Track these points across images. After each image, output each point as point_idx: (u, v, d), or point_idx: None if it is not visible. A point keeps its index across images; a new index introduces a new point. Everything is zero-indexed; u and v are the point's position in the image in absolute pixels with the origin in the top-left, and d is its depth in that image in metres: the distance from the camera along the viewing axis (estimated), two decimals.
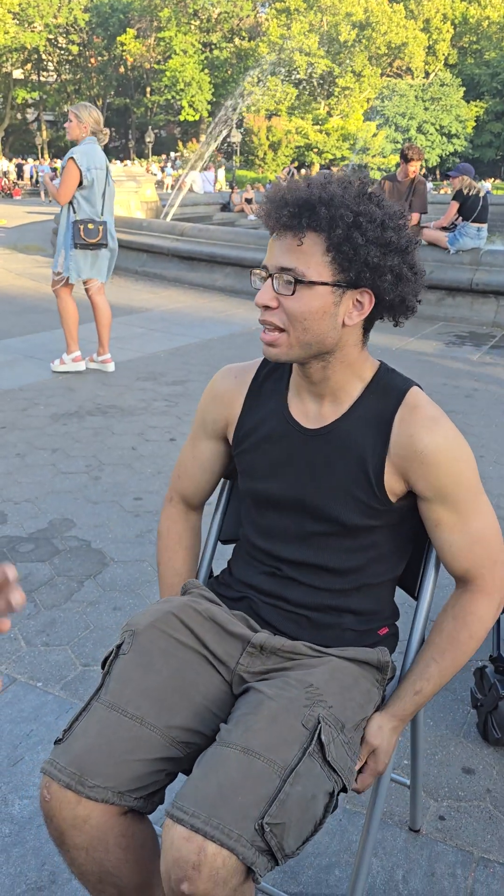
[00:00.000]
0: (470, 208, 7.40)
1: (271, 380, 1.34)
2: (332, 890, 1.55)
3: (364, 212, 1.14)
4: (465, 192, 7.40)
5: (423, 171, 41.54)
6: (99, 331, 5.35)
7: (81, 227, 4.91)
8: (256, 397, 1.34)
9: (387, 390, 1.25)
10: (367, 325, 1.23)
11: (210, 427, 1.40)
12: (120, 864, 1.11)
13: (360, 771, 1.23)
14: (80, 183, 4.86)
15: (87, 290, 5.27)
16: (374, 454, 1.22)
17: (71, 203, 4.93)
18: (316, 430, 1.26)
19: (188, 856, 0.96)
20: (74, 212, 4.94)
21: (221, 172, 20.11)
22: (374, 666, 1.28)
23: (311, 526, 1.27)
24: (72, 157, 4.82)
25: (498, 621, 2.07)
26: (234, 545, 1.48)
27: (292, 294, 1.15)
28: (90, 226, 4.92)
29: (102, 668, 1.23)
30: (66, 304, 5.20)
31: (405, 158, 7.36)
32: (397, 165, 7.76)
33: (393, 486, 1.22)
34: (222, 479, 1.52)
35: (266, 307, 1.17)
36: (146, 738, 1.13)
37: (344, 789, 1.14)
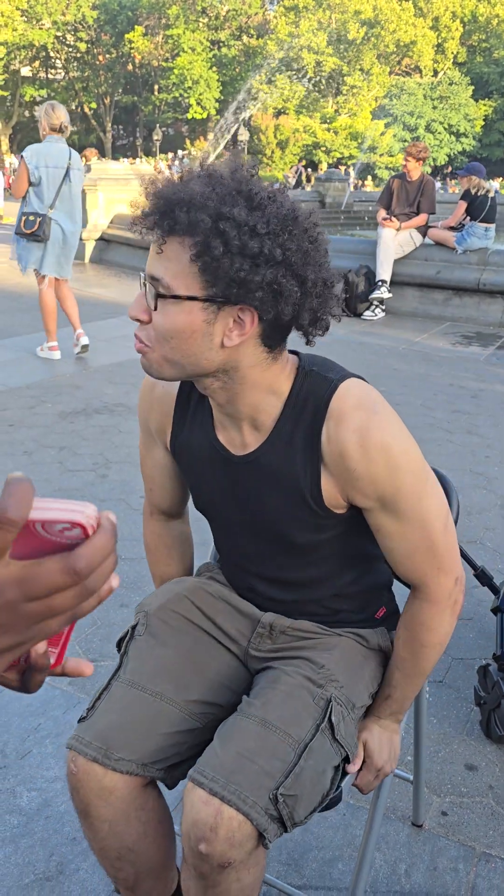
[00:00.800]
0: (478, 208, 7.39)
1: (196, 393, 1.23)
2: (335, 883, 1.57)
3: (227, 215, 0.96)
4: (474, 191, 7.39)
5: (449, 169, 41.57)
6: (67, 316, 5.66)
7: (24, 218, 5.23)
8: (185, 405, 1.24)
9: (307, 402, 1.11)
10: (270, 343, 1.06)
11: (155, 435, 1.31)
12: (139, 839, 1.15)
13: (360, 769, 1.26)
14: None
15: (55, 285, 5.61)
16: (307, 478, 1.12)
17: (25, 196, 5.28)
18: (243, 456, 1.17)
19: (206, 818, 1.01)
20: (25, 205, 5.30)
21: None
22: (377, 650, 1.32)
23: (266, 546, 1.23)
24: (22, 156, 5.18)
25: (501, 619, 2.08)
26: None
27: (155, 308, 1.02)
28: (31, 217, 5.19)
29: (118, 648, 1.28)
30: (41, 298, 5.52)
31: (408, 157, 7.39)
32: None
33: (333, 502, 1.14)
34: None
35: (138, 320, 1.04)
36: (166, 713, 1.17)
37: (347, 759, 1.18)
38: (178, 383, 1.23)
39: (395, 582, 1.40)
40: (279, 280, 0.98)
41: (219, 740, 1.09)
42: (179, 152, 42.84)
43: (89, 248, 10.64)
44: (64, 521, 0.45)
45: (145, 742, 1.14)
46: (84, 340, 5.68)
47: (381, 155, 41.74)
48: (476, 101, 46.28)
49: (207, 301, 1.00)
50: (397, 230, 7.34)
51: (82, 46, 46.84)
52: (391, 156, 41.94)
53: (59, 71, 50.26)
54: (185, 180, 1.01)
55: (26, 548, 0.45)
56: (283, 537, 1.20)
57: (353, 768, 1.23)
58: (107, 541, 0.45)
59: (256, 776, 1.04)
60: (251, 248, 0.96)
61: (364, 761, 1.25)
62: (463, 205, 7.46)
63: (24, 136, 50.73)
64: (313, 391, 1.11)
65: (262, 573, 1.27)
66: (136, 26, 45.33)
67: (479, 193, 7.38)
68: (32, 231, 5.20)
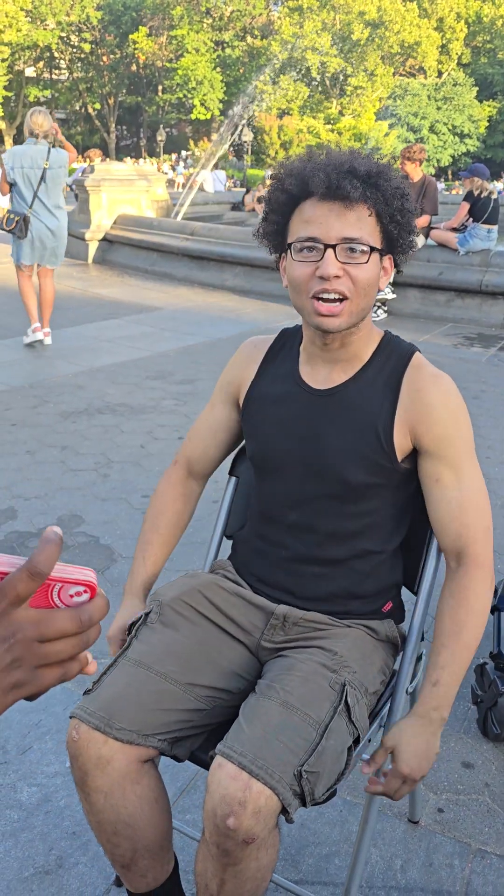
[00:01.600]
0: (481, 209, 7.40)
1: (286, 348, 1.40)
2: (331, 878, 1.59)
3: (403, 184, 1.23)
4: (476, 193, 7.41)
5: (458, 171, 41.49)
6: (41, 305, 6.05)
7: (6, 216, 5.67)
8: (270, 362, 1.40)
9: (393, 353, 1.32)
10: None
11: (226, 389, 1.45)
12: (135, 813, 1.18)
13: (383, 775, 1.25)
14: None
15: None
16: (384, 411, 1.27)
17: (11, 195, 5.73)
18: (326, 390, 1.31)
19: (235, 793, 1.04)
20: (12, 202, 5.72)
21: (222, 174, 19.94)
22: (385, 640, 1.36)
23: (314, 488, 1.30)
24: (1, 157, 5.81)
25: (498, 618, 2.10)
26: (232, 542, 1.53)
27: (366, 262, 1.20)
28: (11, 216, 5.62)
29: (128, 632, 1.32)
30: (19, 286, 6.00)
31: (404, 159, 7.40)
32: None
33: (401, 441, 1.27)
34: (228, 477, 1.56)
35: (335, 277, 1.20)
36: (170, 692, 1.21)
37: (357, 740, 1.20)
38: (270, 342, 1.42)
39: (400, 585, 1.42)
40: (414, 228, 1.27)
41: (244, 719, 1.14)
42: (183, 153, 42.85)
43: (92, 248, 10.66)
44: (80, 582, 0.55)
45: (147, 715, 1.18)
46: (40, 337, 5.96)
47: (384, 156, 41.67)
48: (480, 102, 46.21)
49: (380, 252, 1.23)
50: None
51: (86, 47, 46.86)
52: (395, 158, 41.90)
53: (63, 71, 50.30)
54: (364, 156, 1.23)
55: (37, 605, 0.55)
56: (337, 475, 1.27)
57: (366, 769, 1.25)
58: (105, 605, 0.56)
59: (282, 753, 1.08)
60: (412, 206, 1.25)
61: (392, 767, 1.23)
62: (466, 206, 7.47)
63: None
64: (398, 347, 1.33)
65: (298, 522, 1.32)
66: (140, 27, 45.37)
67: (482, 195, 7.39)
68: (10, 229, 5.62)
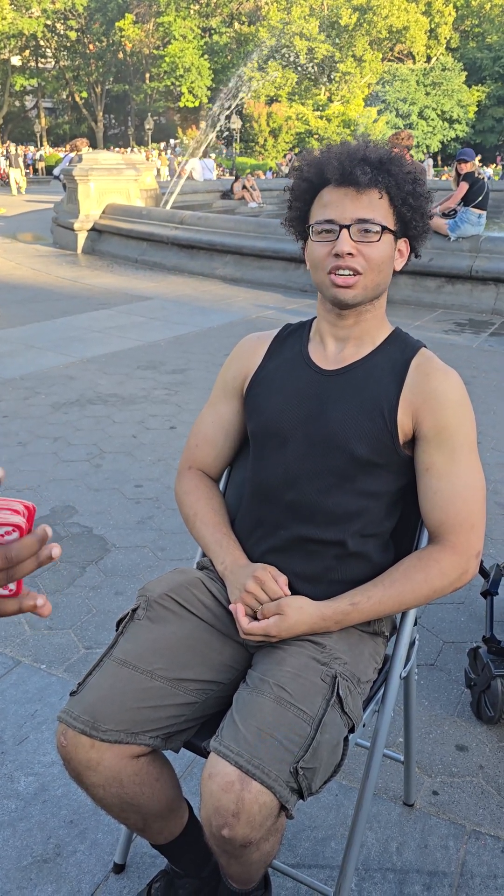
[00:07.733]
0: (475, 193, 7.39)
1: (292, 337, 1.44)
2: (328, 861, 1.60)
3: (415, 170, 1.31)
4: (476, 175, 7.40)
5: (451, 157, 41.39)
6: None
7: None
8: (277, 349, 1.43)
9: (403, 343, 1.37)
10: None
11: (230, 385, 1.46)
12: (137, 796, 1.20)
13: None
14: None
15: None
16: (389, 392, 1.30)
17: None
18: (334, 370, 1.34)
19: (228, 805, 1.05)
20: None
21: (211, 162, 19.70)
22: (373, 633, 1.36)
23: (315, 464, 1.30)
24: None
25: (491, 602, 2.11)
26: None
27: (378, 241, 1.27)
28: None
29: (117, 628, 1.32)
30: None
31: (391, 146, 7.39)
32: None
33: (404, 422, 1.29)
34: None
35: (348, 254, 1.27)
36: (157, 689, 1.21)
37: (352, 730, 1.22)
38: (275, 333, 1.46)
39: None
40: (428, 213, 1.34)
41: (238, 715, 1.14)
42: (171, 141, 42.57)
43: (81, 238, 10.61)
44: (6, 524, 0.61)
45: (134, 714, 1.18)
46: None
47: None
48: (469, 86, 46.03)
49: (394, 234, 1.30)
50: None
51: (72, 35, 46.36)
52: (383, 144, 41.60)
53: (49, 60, 49.79)
54: (376, 146, 1.32)
55: None
56: (340, 446, 1.28)
57: (239, 609, 1.24)
58: (34, 543, 0.62)
59: (277, 751, 1.08)
60: (426, 192, 1.32)
61: (269, 619, 1.23)
62: (465, 186, 7.42)
63: (15, 126, 50.32)
64: (409, 340, 1.38)
65: (296, 500, 1.31)
66: (126, 14, 44.92)
67: (479, 177, 7.39)
68: None
